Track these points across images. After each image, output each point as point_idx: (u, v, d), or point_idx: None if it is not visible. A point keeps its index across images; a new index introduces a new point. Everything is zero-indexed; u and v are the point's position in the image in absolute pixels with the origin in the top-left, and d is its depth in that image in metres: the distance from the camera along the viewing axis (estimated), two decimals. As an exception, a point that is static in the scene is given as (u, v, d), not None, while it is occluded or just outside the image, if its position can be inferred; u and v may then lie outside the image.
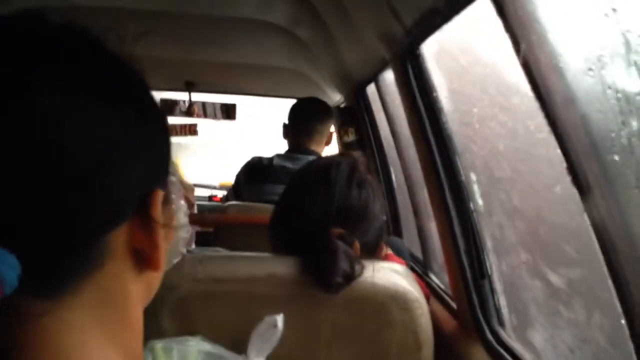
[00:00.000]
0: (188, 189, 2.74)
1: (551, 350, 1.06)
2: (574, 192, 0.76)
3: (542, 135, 0.82)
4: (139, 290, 0.48)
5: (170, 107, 3.34)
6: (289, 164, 2.30)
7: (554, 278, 0.98)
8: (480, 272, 1.25)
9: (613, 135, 0.67)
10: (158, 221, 0.46)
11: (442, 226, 1.34)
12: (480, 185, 1.20)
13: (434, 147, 1.31)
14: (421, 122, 1.34)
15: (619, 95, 0.64)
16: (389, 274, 1.15)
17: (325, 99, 3.08)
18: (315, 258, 1.11)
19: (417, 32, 1.21)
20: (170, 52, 2.65)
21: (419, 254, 1.93)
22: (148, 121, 0.47)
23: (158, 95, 3.17)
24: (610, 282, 0.72)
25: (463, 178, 1.27)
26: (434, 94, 1.31)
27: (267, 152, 2.49)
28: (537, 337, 1.11)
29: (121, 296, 0.46)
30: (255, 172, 2.39)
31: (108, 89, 0.44)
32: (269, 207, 2.16)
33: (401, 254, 1.59)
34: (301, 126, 2.37)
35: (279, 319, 1.04)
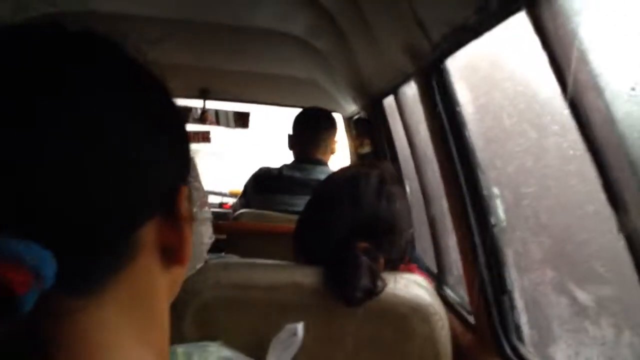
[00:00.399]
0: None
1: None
2: (606, 209, 0.76)
3: (574, 153, 0.82)
4: (165, 287, 0.49)
5: (184, 114, 3.35)
6: (298, 174, 2.30)
7: (580, 295, 0.98)
8: (501, 287, 1.25)
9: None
10: (185, 214, 0.47)
11: (463, 240, 1.35)
12: (504, 200, 1.21)
13: (457, 161, 1.31)
14: (444, 136, 1.34)
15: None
16: (410, 285, 1.15)
17: (339, 110, 3.09)
18: (338, 271, 1.11)
19: (444, 46, 1.22)
20: (186, 59, 2.66)
21: (432, 267, 1.93)
22: (171, 120, 0.49)
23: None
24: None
25: (485, 192, 1.27)
26: (458, 109, 1.32)
27: (275, 161, 2.50)
28: (559, 354, 1.11)
29: (150, 292, 0.47)
30: (265, 182, 2.39)
31: (134, 90, 0.46)
32: (281, 216, 2.19)
33: (420, 265, 1.58)
34: (307, 136, 2.38)
35: (299, 327, 1.05)
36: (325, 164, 2.38)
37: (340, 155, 3.11)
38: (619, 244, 0.76)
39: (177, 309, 1.17)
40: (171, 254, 0.47)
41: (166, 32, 2.31)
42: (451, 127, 1.32)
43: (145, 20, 2.28)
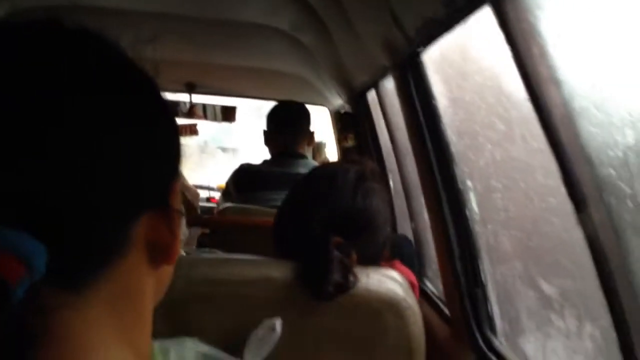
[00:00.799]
0: (193, 195, 2.75)
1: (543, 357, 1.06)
2: (568, 203, 0.77)
3: (537, 145, 0.82)
4: (151, 285, 0.48)
5: (174, 110, 3.34)
6: (279, 169, 2.28)
7: (546, 287, 0.99)
8: (475, 280, 1.25)
9: (609, 149, 0.68)
10: (178, 210, 0.47)
11: (438, 233, 1.35)
12: (476, 193, 1.21)
13: (432, 155, 1.32)
14: (420, 130, 1.34)
15: (616, 110, 0.65)
16: (383, 280, 1.15)
17: (325, 104, 3.09)
18: (309, 265, 1.11)
19: (418, 40, 1.22)
20: (172, 53, 2.65)
21: (414, 260, 1.94)
22: (162, 117, 0.49)
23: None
24: (601, 293, 0.73)
25: (460, 186, 1.27)
26: (434, 102, 1.32)
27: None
28: (529, 345, 1.12)
29: (137, 290, 0.47)
30: (246, 180, 2.37)
31: (127, 87, 0.46)
32: (265, 210, 2.18)
33: (406, 255, 1.57)
34: (283, 130, 2.35)
35: (277, 322, 1.04)
36: (304, 156, 2.36)
37: (329, 149, 3.12)
38: (580, 237, 0.76)
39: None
40: (160, 252, 0.47)
41: (151, 27, 2.30)
42: (426, 120, 1.32)
43: (130, 15, 2.27)
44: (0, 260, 0.36)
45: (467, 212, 1.26)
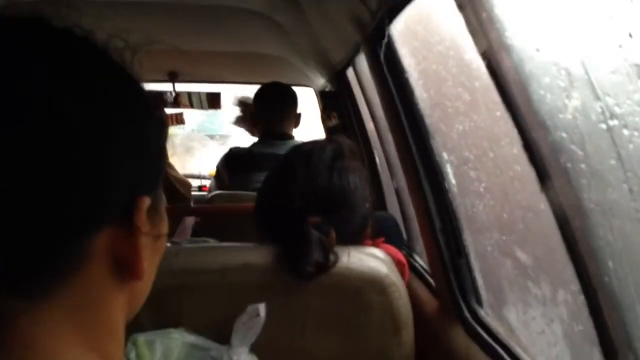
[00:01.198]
0: (185, 185, 2.74)
1: (525, 327, 1.06)
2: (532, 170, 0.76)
3: (500, 113, 0.81)
4: (121, 299, 0.47)
5: (157, 98, 3.33)
6: (269, 150, 2.30)
7: (521, 255, 0.99)
8: (457, 251, 1.25)
9: (559, 112, 0.67)
10: (140, 228, 0.45)
11: (419, 207, 1.34)
12: (452, 165, 1.20)
13: (407, 129, 1.30)
14: (393, 104, 1.33)
15: (562, 71, 0.64)
16: (364, 258, 1.15)
17: (309, 84, 3.07)
18: (289, 246, 1.11)
19: (382, 13, 1.20)
20: (151, 43, 2.63)
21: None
22: (138, 129, 0.47)
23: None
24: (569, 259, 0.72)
25: (437, 158, 1.26)
26: (405, 76, 1.30)
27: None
28: (511, 314, 1.12)
29: (100, 302, 0.45)
30: (236, 162, 2.39)
31: (99, 90, 0.44)
32: (254, 195, 2.18)
33: (391, 234, 1.57)
34: (269, 112, 2.38)
35: (261, 308, 1.05)
36: (292, 137, 2.38)
37: (313, 129, 3.10)
38: (545, 203, 0.76)
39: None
40: (125, 267, 0.46)
41: (128, 17, 2.28)
42: (399, 94, 1.31)
43: (109, 4, 2.24)
44: None
45: (446, 185, 1.25)
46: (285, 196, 1.16)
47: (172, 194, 2.49)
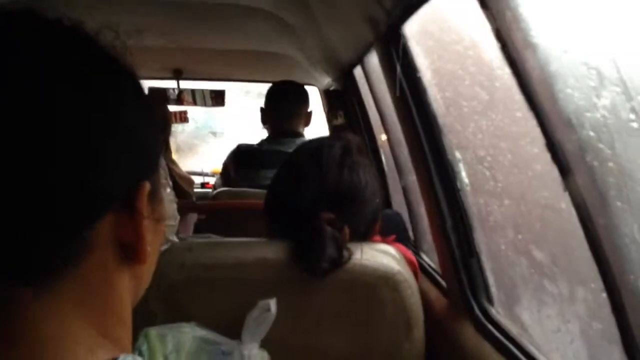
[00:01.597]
0: (187, 182, 2.75)
1: (539, 325, 1.07)
2: (553, 169, 0.77)
3: (521, 113, 0.82)
4: (125, 283, 0.48)
5: (161, 96, 3.33)
6: (278, 148, 2.31)
7: (537, 254, 0.99)
8: (469, 250, 1.25)
9: (587, 111, 0.67)
10: (142, 213, 0.46)
11: (430, 205, 1.35)
12: (465, 164, 1.21)
13: (420, 127, 1.31)
14: (406, 103, 1.33)
15: (592, 71, 0.65)
16: (377, 255, 1.16)
17: (314, 82, 3.07)
18: (302, 243, 1.11)
19: (397, 13, 1.21)
20: (156, 40, 2.63)
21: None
22: (135, 114, 0.47)
23: (147, 84, 3.15)
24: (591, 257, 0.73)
25: (449, 157, 1.27)
26: (418, 75, 1.31)
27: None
28: (525, 313, 1.12)
29: (106, 287, 0.46)
30: (245, 157, 2.40)
31: (96, 79, 0.44)
32: (259, 192, 2.19)
33: (396, 231, 1.57)
34: (280, 110, 2.39)
35: (272, 303, 1.05)
36: (302, 135, 2.39)
37: (317, 128, 3.11)
38: (567, 202, 0.76)
39: (144, 293, 1.16)
40: (129, 252, 0.47)
41: (134, 15, 2.28)
42: (412, 93, 1.31)
43: (111, 3, 2.24)
44: None
45: (458, 183, 1.26)
46: (297, 193, 1.17)
47: (175, 190, 2.49)
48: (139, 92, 0.49)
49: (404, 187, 1.89)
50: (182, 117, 3.42)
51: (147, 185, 0.47)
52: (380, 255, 1.16)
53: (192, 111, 3.70)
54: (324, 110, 3.16)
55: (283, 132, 2.35)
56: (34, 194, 0.40)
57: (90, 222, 0.43)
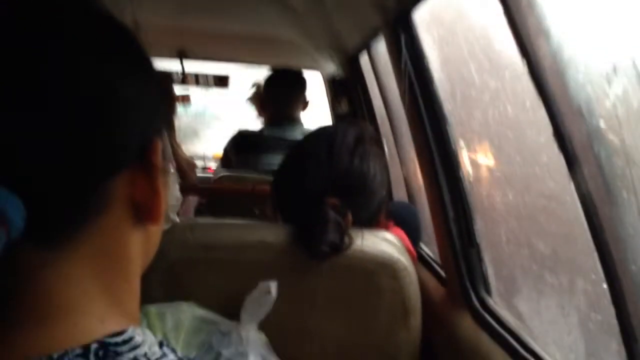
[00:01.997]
0: (190, 166, 2.75)
1: (537, 315, 1.07)
2: (560, 159, 0.76)
3: (529, 102, 0.81)
4: (137, 245, 0.48)
5: (167, 77, 3.32)
6: (279, 133, 2.32)
7: (539, 245, 0.99)
8: (469, 240, 1.25)
9: (599, 100, 0.67)
10: (159, 167, 0.46)
11: (432, 195, 1.35)
12: (469, 152, 1.20)
13: (425, 116, 1.30)
14: (412, 91, 1.33)
15: (605, 59, 0.64)
16: (378, 242, 1.16)
17: (319, 69, 3.06)
18: (305, 226, 1.11)
19: (408, -2, 1.20)
20: (162, 20, 2.62)
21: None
22: (145, 73, 0.48)
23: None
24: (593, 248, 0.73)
25: (453, 147, 1.27)
26: (425, 62, 1.30)
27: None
28: (523, 304, 1.13)
29: (120, 249, 0.46)
30: (246, 142, 2.42)
31: (107, 42, 0.45)
32: (260, 177, 2.19)
33: (406, 222, 1.57)
34: (280, 97, 2.44)
35: (273, 285, 1.05)
36: (300, 121, 2.44)
37: (321, 115, 3.10)
38: (572, 193, 0.76)
39: (144, 271, 1.16)
40: (143, 211, 0.46)
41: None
42: (418, 80, 1.31)
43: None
44: None
45: (461, 173, 1.26)
46: (306, 177, 1.17)
47: (178, 172, 2.50)
48: (146, 57, 0.49)
49: (405, 177, 1.89)
50: (185, 99, 3.42)
51: (161, 143, 0.47)
52: (381, 243, 1.16)
53: (196, 95, 3.69)
54: (328, 98, 3.15)
55: (282, 118, 2.38)
56: (52, 144, 0.40)
57: (107, 178, 0.43)
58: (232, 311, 1.08)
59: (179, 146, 2.77)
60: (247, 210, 1.71)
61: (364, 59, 2.19)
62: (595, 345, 0.88)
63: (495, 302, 1.19)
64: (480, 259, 1.24)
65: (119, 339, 0.42)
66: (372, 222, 1.21)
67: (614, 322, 0.73)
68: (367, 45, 1.95)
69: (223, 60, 3.39)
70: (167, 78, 3.03)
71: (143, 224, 0.47)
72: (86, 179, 0.42)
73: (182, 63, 3.17)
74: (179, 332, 1.07)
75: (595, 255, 0.73)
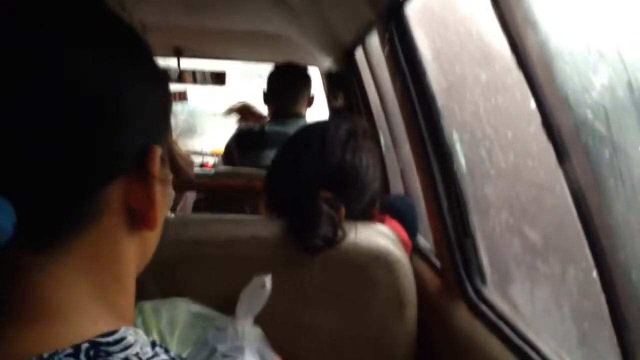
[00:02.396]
0: (187, 163, 2.75)
1: (531, 304, 1.07)
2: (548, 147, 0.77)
3: (519, 94, 0.82)
4: (132, 250, 0.48)
5: (163, 76, 3.31)
6: (281, 129, 2.31)
7: (531, 234, 0.99)
8: (464, 231, 1.26)
9: (585, 90, 0.67)
10: (155, 176, 0.46)
11: (426, 186, 1.35)
12: (463, 145, 1.21)
13: (418, 109, 1.30)
14: (405, 84, 1.33)
15: (591, 49, 0.64)
16: (371, 235, 1.16)
17: (315, 64, 3.05)
18: (298, 219, 1.12)
19: (399, -9, 1.20)
20: (158, 18, 2.61)
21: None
22: (148, 78, 0.48)
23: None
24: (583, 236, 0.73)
25: (447, 139, 1.27)
26: (418, 55, 1.30)
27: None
28: (517, 293, 1.13)
29: (114, 254, 0.46)
30: (249, 138, 2.40)
31: (107, 42, 0.44)
32: (258, 172, 2.19)
33: (402, 214, 1.57)
34: (283, 92, 2.40)
35: (267, 279, 1.05)
36: (304, 117, 2.40)
37: (318, 110, 3.10)
38: (561, 182, 0.76)
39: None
40: (139, 218, 0.46)
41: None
42: (411, 74, 1.31)
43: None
44: None
45: (454, 165, 1.26)
46: (298, 171, 1.17)
47: (174, 169, 2.49)
48: (150, 58, 0.49)
49: (402, 170, 1.89)
50: (182, 97, 3.42)
51: (159, 150, 0.47)
52: (375, 235, 1.17)
53: (193, 91, 3.69)
54: (325, 92, 3.15)
55: (285, 114, 2.35)
56: (49, 150, 0.40)
57: (103, 185, 0.43)
58: (227, 306, 1.08)
59: (175, 143, 2.77)
60: (244, 205, 1.72)
61: (360, 54, 2.19)
62: (587, 333, 0.89)
63: (491, 292, 1.20)
64: (475, 249, 1.25)
65: (110, 338, 0.42)
66: (365, 215, 1.22)
67: (605, 309, 0.73)
68: (362, 40, 1.95)
69: (219, 58, 3.39)
70: (165, 76, 3.03)
71: (138, 230, 0.48)
72: (82, 184, 0.42)
73: (178, 61, 3.17)
74: (175, 328, 1.07)
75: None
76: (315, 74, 3.15)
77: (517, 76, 0.81)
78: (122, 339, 0.42)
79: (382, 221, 1.31)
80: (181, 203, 2.69)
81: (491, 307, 1.15)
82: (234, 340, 1.05)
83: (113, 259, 0.46)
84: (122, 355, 0.41)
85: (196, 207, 2.72)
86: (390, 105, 1.91)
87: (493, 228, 1.19)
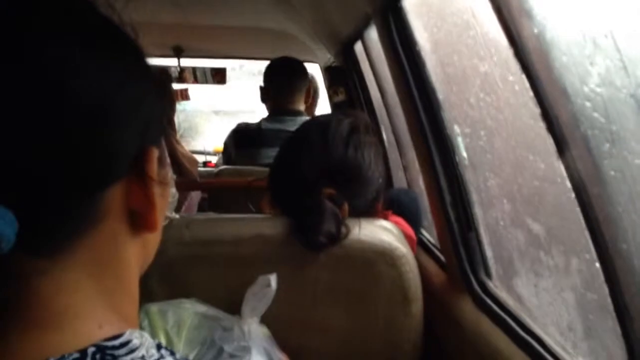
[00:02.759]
0: (191, 162, 2.75)
1: (535, 297, 1.07)
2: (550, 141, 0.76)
3: (519, 86, 0.81)
4: (134, 252, 0.48)
5: (165, 74, 3.31)
6: (278, 126, 2.29)
7: (534, 226, 0.99)
8: (467, 225, 1.25)
9: (582, 80, 0.66)
10: (153, 178, 0.46)
11: (429, 180, 1.34)
12: (464, 138, 1.20)
13: (418, 102, 1.30)
14: (405, 77, 1.32)
15: (587, 38, 0.64)
16: (375, 230, 1.16)
17: (314, 59, 3.05)
18: (302, 217, 1.12)
19: (396, -16, 1.19)
20: (156, 17, 2.61)
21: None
22: (142, 80, 0.47)
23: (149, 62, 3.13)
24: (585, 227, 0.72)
25: (448, 132, 1.26)
26: (417, 48, 1.29)
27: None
28: (522, 285, 1.13)
29: (116, 257, 0.46)
30: (245, 136, 2.39)
31: (103, 43, 0.44)
32: (261, 170, 2.19)
33: (406, 208, 1.56)
34: (280, 87, 2.36)
35: (272, 278, 1.05)
36: (301, 113, 2.37)
37: (321, 105, 3.10)
38: (561, 172, 0.76)
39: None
40: (140, 220, 0.47)
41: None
42: (411, 67, 1.30)
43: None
44: None
45: (457, 158, 1.25)
46: (300, 167, 1.17)
47: (178, 169, 2.50)
48: (144, 59, 0.49)
49: (404, 165, 1.88)
50: (184, 95, 3.42)
51: (156, 151, 0.47)
52: (379, 231, 1.16)
53: (195, 90, 3.69)
54: (325, 87, 3.15)
55: (283, 110, 2.33)
56: (47, 154, 0.39)
57: (102, 188, 0.43)
58: (232, 306, 1.08)
59: (179, 143, 2.77)
60: (248, 204, 1.72)
61: (359, 47, 2.18)
62: (591, 325, 0.88)
63: (496, 285, 1.19)
64: (479, 243, 1.24)
65: (116, 342, 0.42)
66: (369, 211, 1.22)
67: (608, 300, 0.73)
68: (360, 34, 1.94)
69: (219, 57, 3.38)
70: (165, 76, 3.03)
71: (139, 232, 0.48)
72: (79, 191, 0.42)
73: (178, 61, 3.17)
74: (181, 330, 1.07)
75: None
76: (316, 71, 3.15)
77: (516, 68, 0.81)
78: (128, 342, 0.43)
79: (386, 217, 1.31)
80: (186, 203, 2.69)
81: (496, 300, 1.14)
82: (240, 340, 1.05)
83: (115, 262, 0.46)
84: (128, 358, 0.41)
85: (200, 207, 2.72)
86: (391, 99, 1.90)
87: (496, 221, 1.18)
